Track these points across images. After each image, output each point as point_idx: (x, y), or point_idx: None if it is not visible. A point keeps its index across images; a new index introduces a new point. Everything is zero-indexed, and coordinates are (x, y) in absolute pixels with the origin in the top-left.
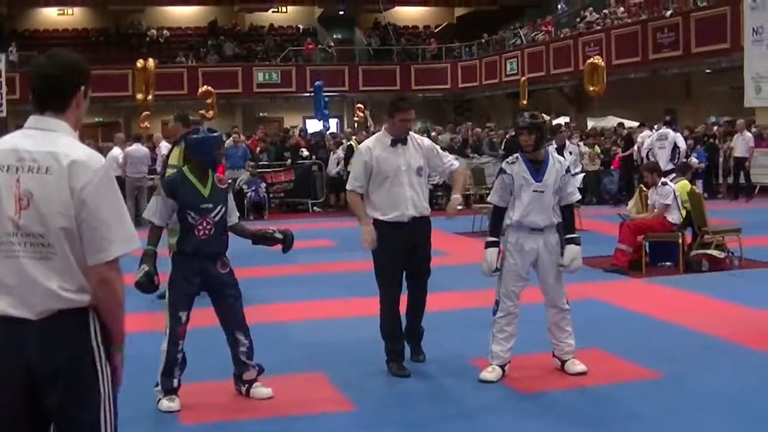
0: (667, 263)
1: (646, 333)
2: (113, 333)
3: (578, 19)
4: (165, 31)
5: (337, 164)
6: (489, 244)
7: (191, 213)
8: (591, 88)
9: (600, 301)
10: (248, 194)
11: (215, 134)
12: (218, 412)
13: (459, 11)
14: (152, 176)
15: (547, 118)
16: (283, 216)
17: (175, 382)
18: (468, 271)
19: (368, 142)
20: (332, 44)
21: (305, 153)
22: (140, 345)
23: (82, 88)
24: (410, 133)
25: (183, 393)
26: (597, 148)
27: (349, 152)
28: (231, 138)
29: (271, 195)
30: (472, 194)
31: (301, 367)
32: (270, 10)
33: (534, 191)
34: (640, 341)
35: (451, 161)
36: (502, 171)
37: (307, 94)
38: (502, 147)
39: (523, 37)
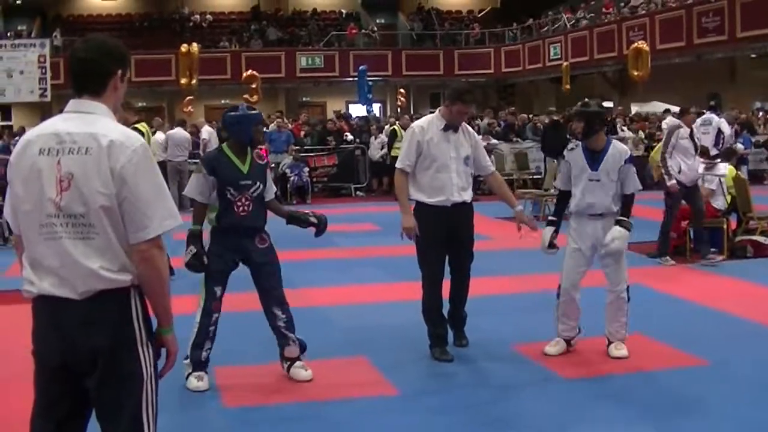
0: (712, 249)
1: (690, 319)
2: (159, 313)
3: (622, 3)
4: (208, 16)
5: (381, 148)
6: (549, 223)
7: (230, 189)
8: (635, 73)
9: (644, 287)
10: (291, 178)
11: (253, 112)
12: (260, 395)
13: None
14: (194, 160)
15: (608, 104)
16: (326, 200)
17: (204, 355)
18: (512, 256)
19: (422, 122)
20: (375, 29)
21: (349, 137)
22: (187, 327)
23: (119, 71)
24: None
25: (225, 375)
26: (641, 134)
27: (393, 137)
28: (275, 122)
29: (314, 179)
30: (515, 179)
31: (344, 351)
32: None
33: (589, 180)
34: (684, 327)
35: (490, 162)
36: (563, 157)
37: (350, 79)
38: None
39: (566, 21)
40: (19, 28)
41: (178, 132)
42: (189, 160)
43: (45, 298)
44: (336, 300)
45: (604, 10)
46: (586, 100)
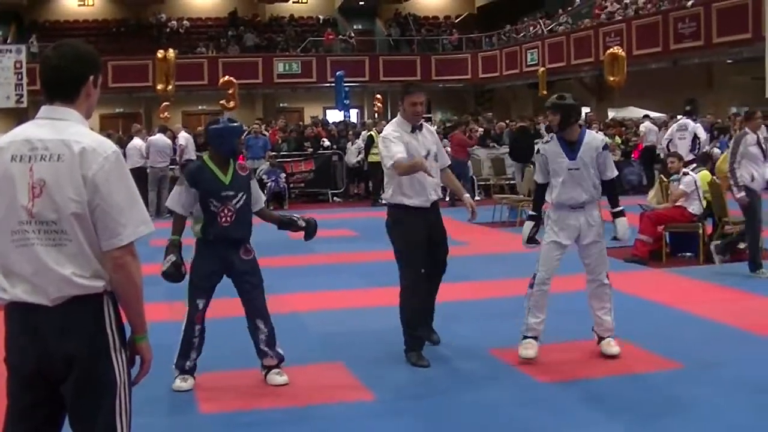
0: (688, 254)
1: (666, 323)
2: (132, 321)
3: (597, 10)
4: (185, 22)
5: (358, 154)
6: (529, 218)
7: (213, 201)
8: (611, 79)
9: (620, 292)
10: (268, 184)
11: (234, 124)
12: (238, 400)
13: (479, 1)
14: (173, 166)
15: (585, 110)
16: (304, 206)
17: (188, 364)
18: (488, 262)
19: (390, 127)
20: (353, 35)
21: (326, 143)
22: (162, 334)
23: (92, 78)
24: (423, 122)
25: (204, 381)
26: (617, 139)
27: (369, 142)
28: (252, 128)
29: (291, 185)
30: (492, 184)
31: (321, 357)
32: (290, 1)
33: (569, 169)
34: (660, 332)
35: (447, 157)
36: (538, 151)
37: (328, 85)
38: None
39: (543, 27)
40: None
41: (160, 138)
42: (169, 166)
43: (17, 304)
44: (313, 306)
45: (597, 10)
46: (562, 94)
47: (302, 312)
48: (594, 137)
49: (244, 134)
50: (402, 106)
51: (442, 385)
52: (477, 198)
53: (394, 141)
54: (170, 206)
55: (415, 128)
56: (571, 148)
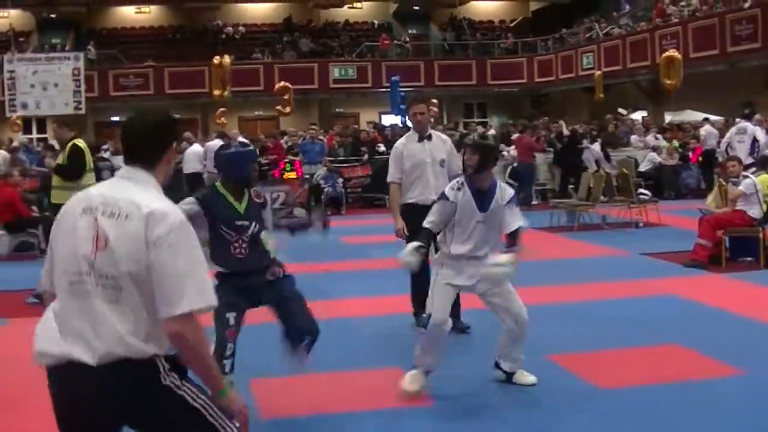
0: (748, 258)
1: (726, 329)
2: (206, 382)
3: (654, 12)
4: (241, 28)
5: None
6: (416, 248)
7: (224, 228)
8: (667, 82)
9: (679, 297)
10: (325, 189)
11: (248, 149)
12: (297, 405)
13: (534, 5)
14: None
15: (642, 113)
16: (360, 211)
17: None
18: (544, 267)
19: (402, 139)
20: (408, 39)
21: (382, 148)
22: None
23: (174, 144)
24: (435, 132)
25: (260, 387)
26: (675, 142)
27: None
28: (308, 134)
29: (348, 190)
30: (549, 189)
31: (376, 362)
32: (345, 6)
33: (477, 222)
34: (720, 337)
35: (460, 166)
36: (444, 197)
37: (383, 90)
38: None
39: (598, 30)
40: (53, 41)
41: (217, 144)
42: None
43: (64, 361)
44: (368, 311)
45: (656, 13)
46: (483, 132)
47: (357, 317)
48: (504, 190)
49: (257, 155)
50: (409, 116)
51: (498, 390)
52: (534, 202)
53: (393, 162)
54: None
55: (423, 138)
56: (483, 198)
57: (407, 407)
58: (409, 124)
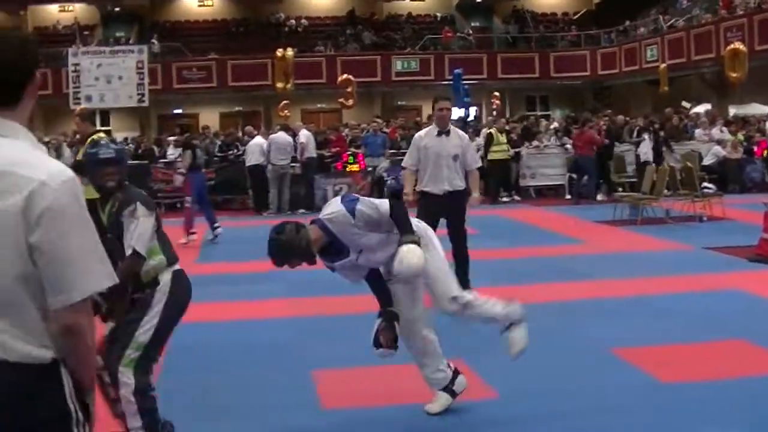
0: None
1: None
2: (83, 382)
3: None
4: (303, 21)
5: (477, 151)
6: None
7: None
8: (732, 75)
9: (744, 292)
10: (388, 182)
11: (99, 149)
12: (360, 397)
13: None
14: (294, 164)
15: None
16: None
17: None
18: (608, 260)
19: (421, 132)
20: (470, 32)
21: None
22: (281, 331)
23: (36, 73)
24: (454, 128)
25: (325, 378)
26: (740, 136)
27: (489, 140)
28: (371, 126)
29: None
30: (612, 182)
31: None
32: None
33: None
34: None
35: (476, 161)
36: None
37: (446, 82)
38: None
39: (662, 22)
40: (117, 34)
41: (281, 136)
42: (290, 164)
43: None
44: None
45: (722, 4)
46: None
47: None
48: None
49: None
50: (434, 111)
51: (563, 384)
52: (600, 198)
53: (411, 149)
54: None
55: (442, 132)
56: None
57: (473, 399)
58: (472, 117)
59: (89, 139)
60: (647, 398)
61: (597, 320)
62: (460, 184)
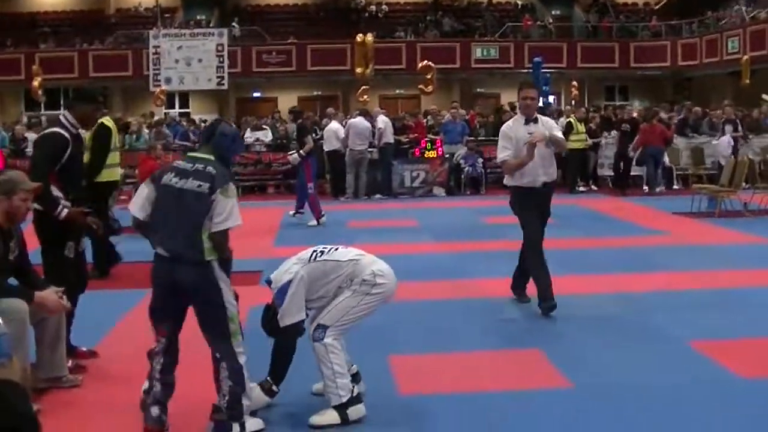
0: None
1: None
2: None
3: None
4: (384, 6)
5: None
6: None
7: None
8: None
9: None
10: (466, 169)
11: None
12: (436, 383)
13: None
14: (371, 149)
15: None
16: (500, 191)
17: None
18: (687, 252)
19: (509, 122)
20: (551, 20)
21: None
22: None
23: None
24: (540, 116)
25: (403, 363)
26: None
27: (569, 129)
28: (449, 113)
29: (488, 170)
30: (690, 174)
31: (518, 343)
32: None
33: None
34: None
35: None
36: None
37: (525, 70)
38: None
39: (745, 13)
40: (198, 17)
41: (360, 121)
42: (368, 149)
43: None
44: (508, 292)
45: None
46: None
47: (497, 297)
48: None
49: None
50: (519, 99)
51: (639, 376)
52: (675, 187)
53: (504, 142)
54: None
55: (529, 121)
56: None
57: (547, 388)
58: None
59: (97, 124)
60: (725, 394)
61: (676, 313)
62: (553, 175)
